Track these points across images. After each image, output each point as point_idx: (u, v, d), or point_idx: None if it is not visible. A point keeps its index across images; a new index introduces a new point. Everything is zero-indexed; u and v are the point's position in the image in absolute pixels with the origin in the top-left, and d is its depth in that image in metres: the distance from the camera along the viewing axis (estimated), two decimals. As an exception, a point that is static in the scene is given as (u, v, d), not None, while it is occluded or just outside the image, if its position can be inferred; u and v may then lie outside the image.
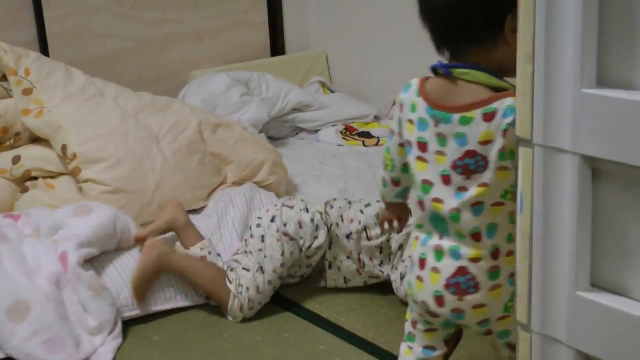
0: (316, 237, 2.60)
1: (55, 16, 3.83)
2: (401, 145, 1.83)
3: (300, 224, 2.58)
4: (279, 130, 4.11)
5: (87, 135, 2.87)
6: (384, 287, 2.70)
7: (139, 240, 2.65)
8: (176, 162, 2.96)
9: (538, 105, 1.35)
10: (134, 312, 2.52)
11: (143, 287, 2.53)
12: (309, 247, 2.60)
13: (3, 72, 3.05)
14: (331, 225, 2.62)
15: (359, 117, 4.17)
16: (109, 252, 2.61)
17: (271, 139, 3.98)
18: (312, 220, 2.59)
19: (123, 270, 2.57)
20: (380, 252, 2.61)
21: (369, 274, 2.66)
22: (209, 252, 2.63)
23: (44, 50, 3.77)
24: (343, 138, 4.03)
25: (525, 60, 1.36)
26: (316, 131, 4.13)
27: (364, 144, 3.93)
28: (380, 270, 2.64)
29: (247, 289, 2.53)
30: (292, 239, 2.56)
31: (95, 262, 2.56)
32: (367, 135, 4.01)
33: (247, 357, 2.34)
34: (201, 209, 2.98)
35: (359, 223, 2.60)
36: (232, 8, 4.41)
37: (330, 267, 2.68)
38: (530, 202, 1.41)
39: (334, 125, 4.13)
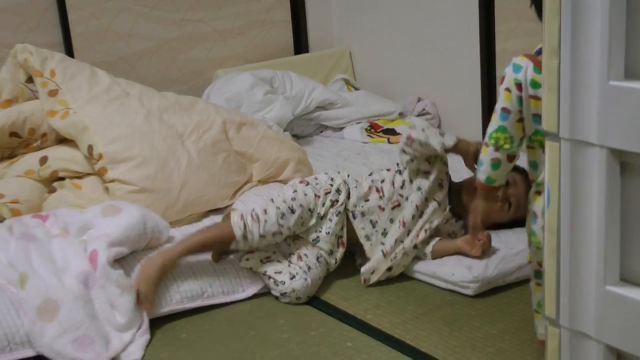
0: (332, 179, 2.75)
1: (80, 18, 3.86)
2: (519, 121, 1.99)
3: (316, 177, 2.77)
4: (303, 128, 4.11)
5: (113, 136, 2.89)
6: (410, 284, 2.70)
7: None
8: (201, 161, 2.96)
9: (565, 99, 1.34)
10: (166, 310, 2.54)
11: (152, 295, 2.52)
12: (327, 193, 2.70)
13: (29, 73, 3.07)
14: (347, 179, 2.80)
15: (384, 115, 4.16)
16: (137, 251, 2.62)
17: (296, 137, 3.98)
18: (326, 173, 2.79)
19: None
20: (400, 174, 2.78)
21: (392, 204, 2.72)
22: None
23: (69, 51, 3.80)
24: (368, 135, 4.02)
25: (551, 54, 1.35)
26: (341, 129, 4.13)
27: (389, 141, 3.92)
28: (400, 195, 2.73)
29: (253, 209, 2.63)
30: (307, 184, 2.72)
31: (123, 261, 2.57)
32: (392, 132, 4.00)
33: (274, 355, 2.34)
34: (226, 207, 2.98)
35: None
36: (255, 7, 4.41)
37: (354, 217, 2.74)
38: (558, 197, 1.40)
39: (358, 123, 4.12)
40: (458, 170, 2.92)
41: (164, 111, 3.07)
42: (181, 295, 2.57)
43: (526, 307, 2.49)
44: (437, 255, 2.72)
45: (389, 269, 2.70)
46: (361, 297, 2.63)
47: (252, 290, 2.67)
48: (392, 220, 2.74)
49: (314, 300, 2.63)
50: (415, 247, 2.72)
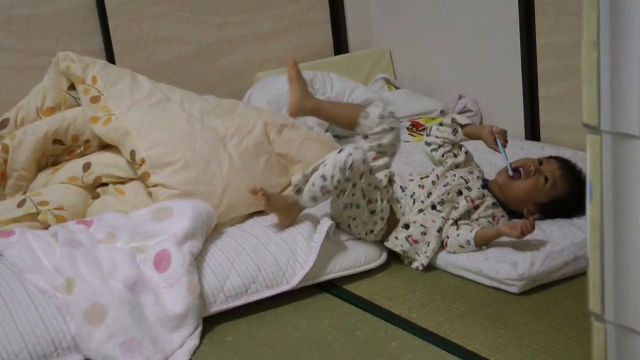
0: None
1: (120, 24, 3.89)
2: None
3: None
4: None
5: (155, 140, 2.91)
6: (455, 283, 2.69)
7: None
8: (243, 163, 2.97)
9: (605, 91, 1.33)
10: (212, 311, 2.55)
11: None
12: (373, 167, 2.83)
13: (71, 81, 3.10)
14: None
15: (425, 113, 4.14)
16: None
17: (337, 137, 3.97)
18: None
19: (212, 262, 2.63)
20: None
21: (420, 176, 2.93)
22: None
23: (110, 58, 3.83)
24: (410, 134, 4.01)
25: (590, 46, 1.34)
26: (382, 129, 4.11)
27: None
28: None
29: None
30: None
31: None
32: (433, 130, 3.98)
33: (319, 355, 2.34)
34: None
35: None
36: (294, 9, 4.42)
37: (398, 201, 2.88)
38: (600, 191, 1.39)
39: (400, 122, 4.10)
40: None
41: (205, 114, 3.08)
42: (225, 294, 2.57)
43: (572, 302, 2.47)
44: (480, 241, 2.72)
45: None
46: (406, 297, 2.63)
47: (295, 280, 2.66)
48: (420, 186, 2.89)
49: (359, 301, 2.63)
50: (434, 207, 2.81)
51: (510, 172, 2.83)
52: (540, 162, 2.88)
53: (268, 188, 2.94)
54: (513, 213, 2.88)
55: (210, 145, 2.95)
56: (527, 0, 3.64)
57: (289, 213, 2.81)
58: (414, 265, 2.79)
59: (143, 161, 2.87)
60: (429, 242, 2.77)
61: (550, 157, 2.95)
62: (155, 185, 2.86)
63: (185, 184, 2.84)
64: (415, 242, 2.78)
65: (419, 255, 2.78)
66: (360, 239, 2.85)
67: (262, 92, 3.94)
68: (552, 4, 3.55)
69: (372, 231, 2.82)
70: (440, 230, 2.77)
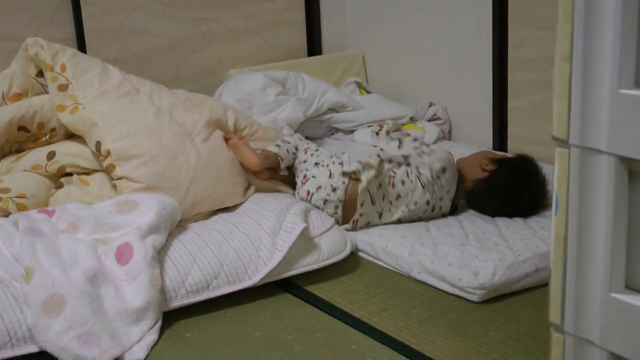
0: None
1: (94, 13, 3.87)
2: None
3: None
4: (314, 130, 4.11)
5: (121, 133, 2.89)
6: (416, 289, 2.70)
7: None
8: (210, 158, 2.96)
9: (575, 106, 1.34)
10: (172, 305, 2.53)
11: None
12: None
13: (40, 67, 3.08)
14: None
15: (395, 118, 4.15)
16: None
17: (307, 138, 3.98)
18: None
19: (174, 257, 2.62)
20: None
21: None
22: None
23: (82, 47, 3.81)
24: (379, 139, 4.02)
25: (563, 61, 1.35)
26: (352, 132, 4.13)
27: (399, 145, 3.92)
28: None
29: None
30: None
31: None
32: (402, 136, 3.99)
33: (278, 356, 2.34)
34: (236, 207, 2.98)
35: None
36: (270, 8, 4.42)
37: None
38: (566, 204, 1.40)
39: (369, 126, 4.12)
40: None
41: (174, 108, 3.07)
42: (186, 289, 2.56)
43: (531, 313, 2.49)
44: None
45: None
46: (367, 301, 2.63)
47: (258, 276, 2.66)
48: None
49: (320, 302, 2.63)
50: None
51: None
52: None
53: (235, 184, 2.95)
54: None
55: (177, 139, 2.94)
56: (501, 13, 3.67)
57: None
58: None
59: (109, 153, 2.85)
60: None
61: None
62: (120, 178, 2.84)
63: (151, 178, 2.83)
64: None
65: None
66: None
67: (234, 90, 3.93)
68: (526, 18, 3.58)
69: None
70: None
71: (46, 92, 3.07)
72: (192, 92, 3.32)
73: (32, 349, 2.30)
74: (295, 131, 3.84)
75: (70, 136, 3.05)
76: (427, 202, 3.02)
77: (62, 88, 2.99)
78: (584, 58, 1.31)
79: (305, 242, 2.78)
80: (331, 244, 2.83)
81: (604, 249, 1.35)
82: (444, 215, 3.11)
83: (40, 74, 3.09)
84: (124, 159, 2.84)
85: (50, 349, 2.28)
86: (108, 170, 2.87)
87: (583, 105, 1.33)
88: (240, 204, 2.98)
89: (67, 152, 2.97)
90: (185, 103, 3.13)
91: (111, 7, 3.91)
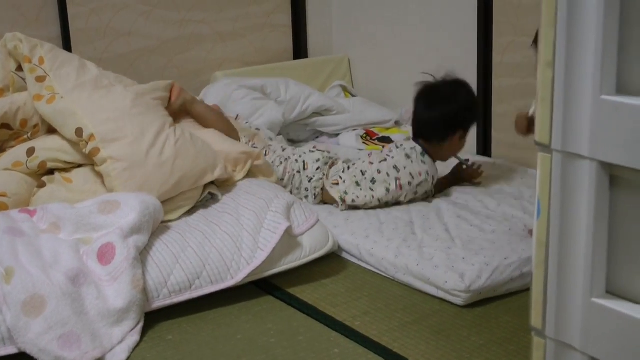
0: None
1: (80, 13, 3.86)
2: None
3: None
4: (299, 133, 4.11)
5: (103, 118, 2.88)
6: (400, 292, 2.70)
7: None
8: (186, 138, 2.97)
9: (558, 111, 1.35)
10: (154, 306, 2.53)
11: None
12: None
13: (19, 62, 3.07)
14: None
15: (380, 122, 4.17)
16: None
17: (291, 142, 3.99)
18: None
19: (157, 257, 2.60)
20: None
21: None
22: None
23: (67, 46, 3.80)
24: (363, 143, 4.02)
25: (546, 66, 1.36)
26: (336, 135, 4.14)
27: (383, 149, 3.92)
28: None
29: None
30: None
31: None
32: (387, 140, 4.00)
33: (260, 359, 2.34)
34: (217, 205, 2.97)
35: None
36: (256, 11, 4.42)
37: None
38: (548, 208, 1.41)
39: (354, 130, 4.12)
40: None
41: (149, 94, 3.09)
42: (169, 289, 2.56)
43: (513, 318, 2.50)
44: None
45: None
46: (350, 304, 2.63)
47: (240, 276, 2.65)
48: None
49: (303, 306, 2.63)
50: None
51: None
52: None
53: (212, 159, 2.99)
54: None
55: (158, 122, 2.94)
56: (485, 18, 3.68)
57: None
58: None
59: (92, 137, 2.83)
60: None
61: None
62: (105, 161, 2.81)
63: (137, 155, 2.81)
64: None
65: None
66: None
67: (212, 98, 3.93)
68: (510, 24, 3.59)
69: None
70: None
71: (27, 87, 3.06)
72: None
73: (11, 350, 2.28)
74: (279, 134, 3.85)
75: (51, 132, 3.03)
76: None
77: (40, 79, 2.98)
78: (567, 64, 1.32)
79: (288, 240, 2.78)
80: (313, 240, 2.84)
81: (585, 254, 1.36)
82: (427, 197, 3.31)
83: (20, 68, 3.08)
84: (108, 141, 2.82)
85: (29, 350, 2.26)
86: (92, 155, 2.83)
87: (565, 110, 1.33)
88: (220, 201, 2.97)
89: (47, 147, 2.95)
90: (157, 91, 3.16)
91: (97, 7, 3.91)
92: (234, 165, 3.10)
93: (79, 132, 2.85)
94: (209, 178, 2.94)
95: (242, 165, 3.12)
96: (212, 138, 3.14)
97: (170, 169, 2.84)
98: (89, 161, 2.90)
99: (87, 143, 2.84)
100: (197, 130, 3.17)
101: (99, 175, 2.87)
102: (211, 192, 2.99)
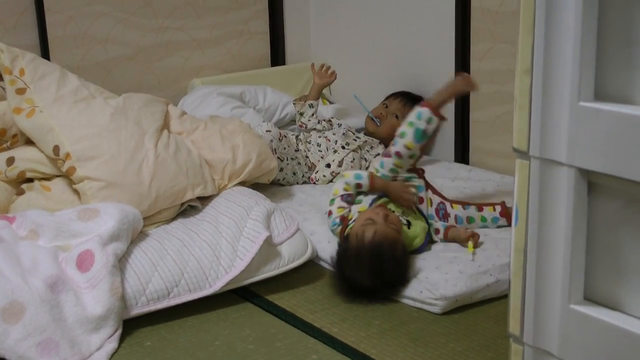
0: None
1: (57, 21, 3.84)
2: None
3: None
4: (277, 140, 4.11)
5: (80, 135, 2.87)
6: (379, 301, 2.70)
7: None
8: (168, 153, 2.95)
9: (535, 118, 1.36)
10: (132, 313, 2.52)
11: None
12: None
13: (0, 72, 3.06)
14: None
15: (358, 130, 4.16)
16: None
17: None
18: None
19: (135, 265, 2.59)
20: None
21: None
22: None
23: (45, 54, 3.78)
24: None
25: (524, 73, 1.37)
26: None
27: (361, 156, 3.93)
28: None
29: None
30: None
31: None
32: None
33: (239, 365, 2.34)
34: (196, 212, 2.96)
35: None
36: (234, 18, 4.42)
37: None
38: (526, 215, 1.41)
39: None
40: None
41: (129, 109, 3.06)
42: (147, 297, 2.55)
43: (492, 325, 2.50)
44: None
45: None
46: (328, 310, 2.63)
47: (219, 284, 2.65)
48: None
49: (281, 312, 2.63)
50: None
51: (377, 122, 3.81)
52: (386, 105, 3.84)
53: (194, 174, 2.95)
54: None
55: (135, 138, 2.93)
56: (463, 25, 3.69)
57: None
58: None
59: (68, 156, 2.83)
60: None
61: (392, 95, 3.89)
62: (82, 180, 2.81)
63: (113, 175, 2.81)
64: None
65: None
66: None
67: (191, 107, 3.92)
68: (488, 31, 3.60)
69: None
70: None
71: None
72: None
73: (-10, 356, 2.29)
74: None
75: (30, 142, 3.02)
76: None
77: (20, 92, 2.97)
78: (544, 71, 1.33)
79: (267, 248, 2.77)
80: (292, 249, 2.83)
81: (563, 261, 1.36)
82: None
83: (0, 77, 3.06)
84: (84, 160, 2.82)
85: (8, 356, 2.26)
86: (69, 173, 2.84)
87: (543, 117, 1.34)
88: (200, 210, 2.96)
89: (27, 158, 2.95)
90: (137, 103, 3.12)
91: (75, 15, 3.89)
92: (227, 178, 3.09)
93: (55, 149, 2.85)
94: (188, 196, 2.93)
95: (235, 177, 3.11)
96: (217, 144, 3.13)
97: (147, 189, 2.83)
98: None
99: (64, 161, 2.83)
100: (206, 136, 3.16)
101: (78, 186, 2.87)
102: (191, 205, 2.98)
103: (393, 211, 2.86)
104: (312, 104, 3.86)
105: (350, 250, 2.66)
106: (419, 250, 2.85)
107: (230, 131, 3.22)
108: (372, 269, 2.61)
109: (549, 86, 1.32)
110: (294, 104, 3.92)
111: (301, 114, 3.86)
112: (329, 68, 3.94)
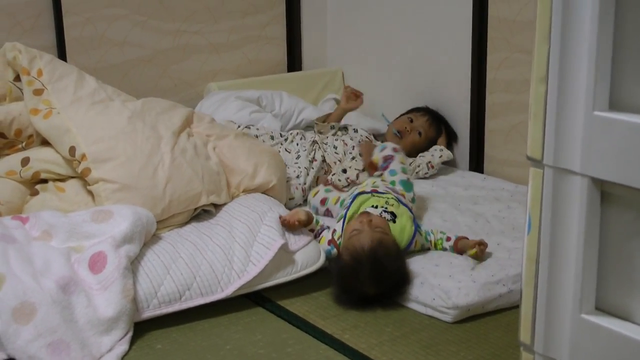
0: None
1: (75, 23, 3.86)
2: None
3: None
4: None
5: (96, 137, 2.88)
6: (389, 305, 2.70)
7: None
8: (185, 158, 2.95)
9: (550, 126, 1.35)
10: (144, 316, 2.52)
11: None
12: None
13: (17, 72, 3.07)
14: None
15: (374, 134, 4.16)
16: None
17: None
18: None
19: (147, 267, 2.60)
20: None
21: None
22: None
23: (62, 56, 3.79)
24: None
25: (539, 81, 1.36)
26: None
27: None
28: None
29: None
30: None
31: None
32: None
33: (249, 370, 2.34)
34: (210, 216, 2.97)
35: None
36: (251, 22, 4.43)
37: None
38: (539, 224, 1.41)
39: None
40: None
41: (147, 113, 3.06)
42: (159, 300, 2.55)
43: (503, 334, 2.50)
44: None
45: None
46: (340, 317, 2.63)
47: (231, 289, 2.65)
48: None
49: (292, 317, 2.63)
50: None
51: (399, 136, 3.80)
52: (411, 119, 3.85)
53: (210, 182, 2.94)
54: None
55: (151, 142, 2.93)
56: (480, 34, 3.69)
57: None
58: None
59: (84, 157, 2.83)
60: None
61: (418, 110, 3.93)
62: (97, 182, 2.82)
63: (129, 178, 2.81)
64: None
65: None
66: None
67: (216, 111, 3.92)
68: (504, 40, 3.60)
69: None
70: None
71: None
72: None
73: (1, 356, 2.28)
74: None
75: (46, 143, 3.03)
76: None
77: (37, 92, 2.98)
78: (560, 80, 1.32)
79: (281, 255, 2.77)
80: (305, 255, 2.82)
81: (575, 270, 1.36)
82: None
83: (17, 78, 3.07)
84: (100, 162, 2.83)
85: (19, 356, 2.27)
86: (83, 175, 2.85)
87: (557, 126, 1.34)
88: (214, 214, 2.97)
89: (42, 158, 2.96)
90: (156, 108, 3.13)
91: (93, 17, 3.91)
92: (241, 190, 3.10)
93: (72, 150, 2.86)
94: (202, 202, 2.94)
95: (246, 191, 3.11)
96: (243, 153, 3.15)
97: (161, 192, 2.84)
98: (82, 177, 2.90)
99: (80, 162, 2.84)
100: (235, 145, 3.17)
101: (92, 187, 2.88)
102: (205, 209, 2.99)
103: (376, 207, 2.88)
104: (333, 126, 3.85)
105: (347, 266, 2.67)
106: (411, 244, 2.89)
107: (259, 150, 3.22)
108: (373, 277, 2.62)
109: (564, 95, 1.32)
110: (315, 123, 3.90)
111: (320, 133, 3.82)
112: (359, 94, 3.92)
